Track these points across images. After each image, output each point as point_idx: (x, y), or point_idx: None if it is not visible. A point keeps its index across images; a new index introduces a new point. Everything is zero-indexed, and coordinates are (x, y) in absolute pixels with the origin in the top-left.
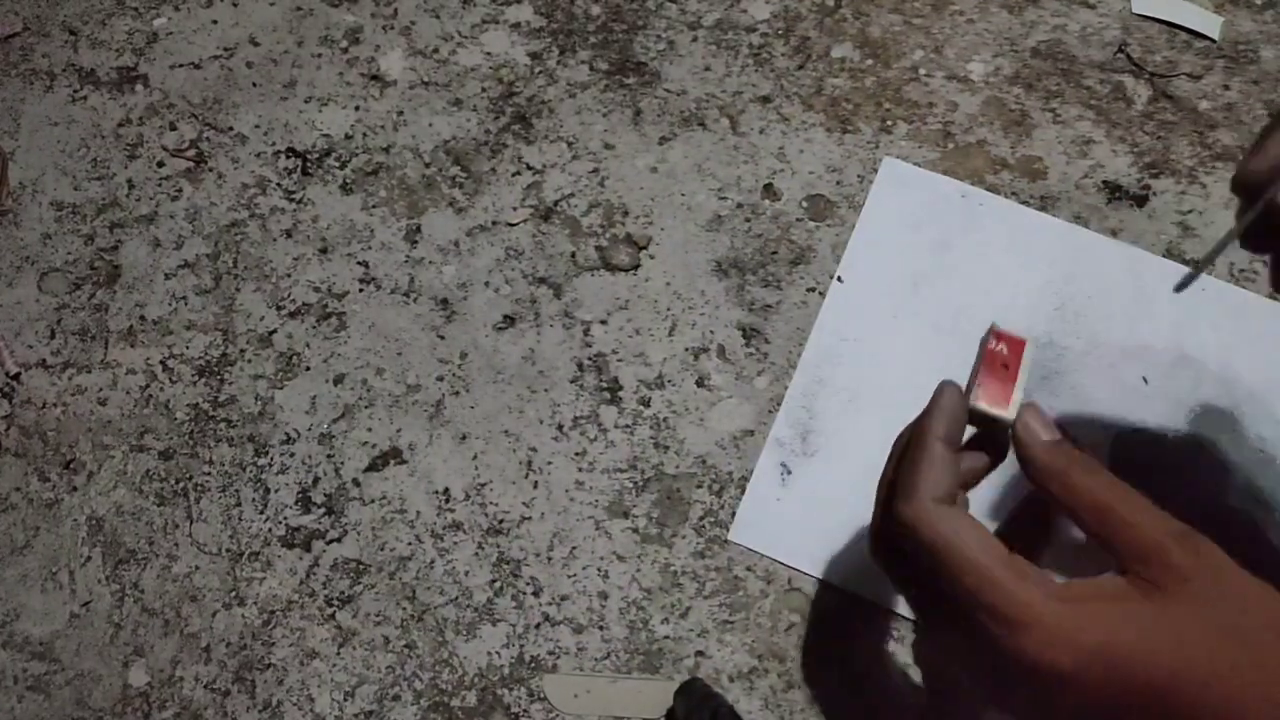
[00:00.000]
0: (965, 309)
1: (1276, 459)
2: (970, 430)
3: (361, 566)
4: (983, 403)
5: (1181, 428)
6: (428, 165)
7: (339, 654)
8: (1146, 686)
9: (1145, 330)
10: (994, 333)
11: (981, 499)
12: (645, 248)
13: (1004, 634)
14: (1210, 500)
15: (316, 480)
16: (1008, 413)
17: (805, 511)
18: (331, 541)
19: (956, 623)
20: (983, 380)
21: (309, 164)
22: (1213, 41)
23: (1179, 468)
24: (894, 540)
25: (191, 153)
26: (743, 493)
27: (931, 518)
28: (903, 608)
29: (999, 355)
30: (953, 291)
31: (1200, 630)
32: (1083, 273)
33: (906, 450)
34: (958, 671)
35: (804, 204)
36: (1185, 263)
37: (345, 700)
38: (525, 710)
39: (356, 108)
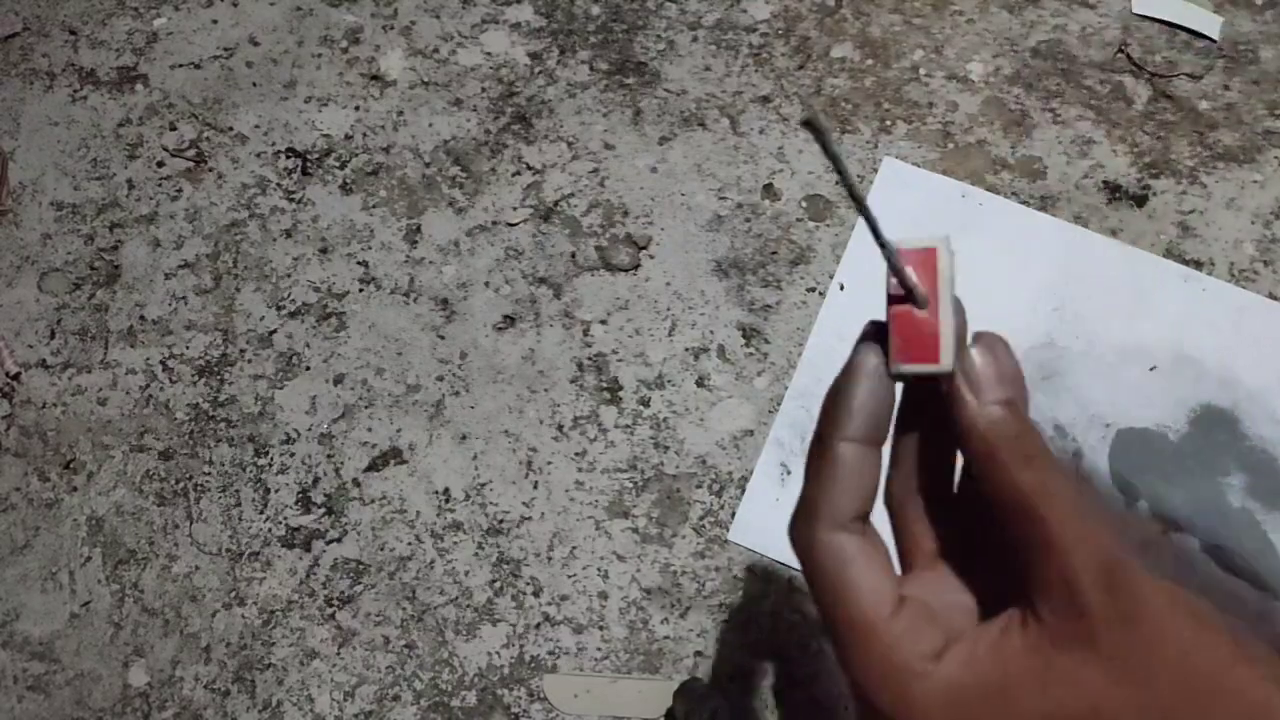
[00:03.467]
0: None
1: (1276, 459)
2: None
3: (361, 566)
4: (902, 361)
5: (1182, 428)
6: (428, 165)
7: (339, 654)
8: None
9: (1145, 330)
10: (898, 254)
11: None
12: (645, 248)
13: (870, 715)
14: (1210, 500)
15: (316, 480)
16: (941, 363)
17: None
18: (331, 541)
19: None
20: (895, 328)
21: (309, 164)
22: (1213, 41)
23: (1179, 468)
24: None
25: (191, 153)
26: (743, 493)
27: (819, 553)
28: None
29: (905, 287)
30: None
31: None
32: (1082, 273)
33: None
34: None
35: (804, 204)
36: (1187, 262)
37: (345, 700)
38: (525, 710)
39: (356, 108)
